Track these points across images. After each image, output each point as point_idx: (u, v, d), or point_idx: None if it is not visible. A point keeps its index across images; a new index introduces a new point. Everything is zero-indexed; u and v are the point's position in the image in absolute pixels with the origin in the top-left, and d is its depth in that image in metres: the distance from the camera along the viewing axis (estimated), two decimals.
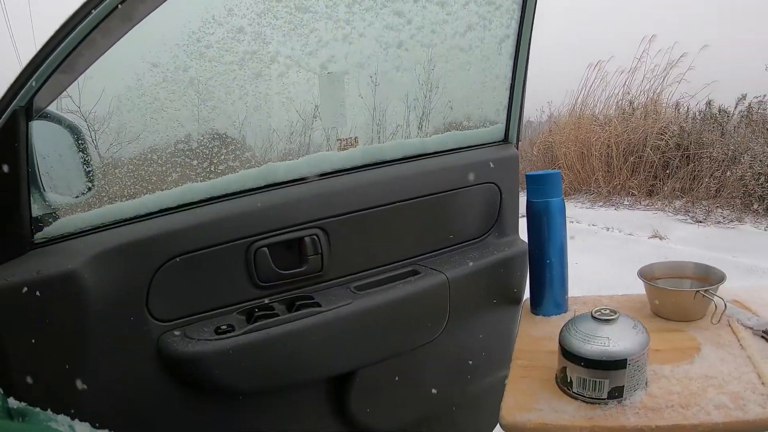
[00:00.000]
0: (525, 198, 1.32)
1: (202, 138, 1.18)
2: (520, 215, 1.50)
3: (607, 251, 4.88)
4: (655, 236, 5.25)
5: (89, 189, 1.15)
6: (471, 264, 1.34)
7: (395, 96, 1.54)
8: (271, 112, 1.35)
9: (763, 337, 1.00)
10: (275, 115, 1.40)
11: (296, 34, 1.20)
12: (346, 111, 1.46)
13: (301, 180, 1.23)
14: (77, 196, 1.14)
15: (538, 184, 1.25)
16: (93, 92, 1.13)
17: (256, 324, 1.07)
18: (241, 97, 1.22)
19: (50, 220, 1.05)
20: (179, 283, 1.07)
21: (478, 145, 1.47)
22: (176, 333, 1.07)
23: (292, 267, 1.18)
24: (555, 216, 1.25)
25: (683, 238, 5.12)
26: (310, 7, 1.18)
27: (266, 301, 1.16)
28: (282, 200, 1.18)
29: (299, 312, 1.11)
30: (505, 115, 1.49)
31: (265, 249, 1.14)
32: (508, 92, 1.46)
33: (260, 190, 1.19)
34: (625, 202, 7.11)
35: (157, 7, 1.00)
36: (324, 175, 1.25)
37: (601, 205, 7.18)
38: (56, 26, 0.90)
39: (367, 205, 1.25)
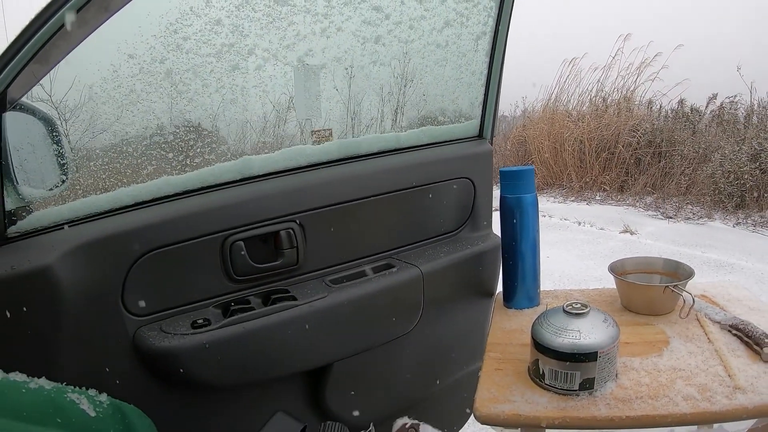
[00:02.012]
0: (498, 193, 1.34)
1: (177, 130, 1.18)
2: (493, 209, 1.52)
3: (578, 245, 4.96)
4: (626, 231, 5.34)
5: (63, 182, 1.14)
6: (445, 258, 1.36)
7: (371, 90, 1.55)
8: (248, 105, 1.34)
9: (729, 331, 1.04)
10: (252, 108, 1.39)
11: (274, 27, 1.20)
12: (320, 104, 1.47)
13: (276, 173, 1.23)
14: (51, 189, 1.13)
15: (511, 180, 1.27)
16: (67, 82, 1.12)
17: (233, 318, 1.08)
18: (217, 89, 1.21)
19: (24, 213, 1.04)
20: (155, 277, 1.07)
21: (453, 141, 1.49)
22: (152, 327, 1.06)
23: (267, 260, 1.18)
24: (528, 211, 1.27)
25: (654, 234, 5.23)
26: (288, 1, 1.18)
27: (242, 294, 1.17)
28: (258, 194, 1.18)
29: (275, 306, 1.12)
30: (480, 111, 1.51)
31: (241, 242, 1.14)
32: (483, 89, 1.48)
33: (236, 184, 1.19)
34: (597, 198, 7.22)
35: None
36: (300, 169, 1.26)
37: (573, 200, 7.28)
38: (29, 16, 0.89)
39: (342, 199, 1.25)
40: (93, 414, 0.49)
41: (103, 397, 0.51)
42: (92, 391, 0.52)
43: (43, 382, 0.48)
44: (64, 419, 0.46)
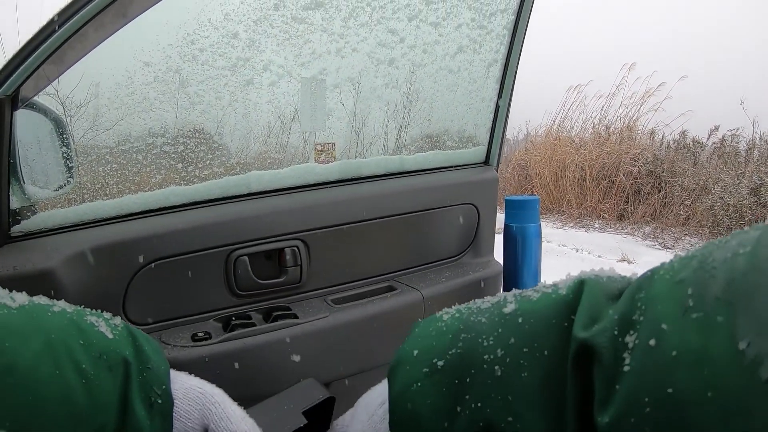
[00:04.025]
0: (502, 216, 1.34)
1: (188, 141, 1.18)
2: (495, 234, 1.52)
3: (575, 273, 4.95)
4: (623, 260, 5.36)
5: (69, 183, 1.14)
6: (446, 282, 1.35)
7: (380, 110, 1.55)
8: (260, 121, 1.35)
9: None
10: (263, 123, 1.40)
11: (290, 44, 1.20)
12: (326, 118, 1.47)
13: (284, 190, 1.23)
14: (56, 189, 1.13)
15: (516, 209, 1.28)
16: (80, 85, 1.12)
17: (233, 333, 1.07)
18: (230, 103, 1.22)
19: (28, 213, 1.04)
20: (158, 287, 1.07)
21: (459, 166, 1.49)
22: (153, 338, 1.06)
23: (271, 277, 1.18)
24: (531, 241, 1.27)
25: (651, 264, 5.11)
26: (306, 18, 1.19)
27: (244, 309, 1.16)
28: (264, 209, 1.18)
29: (276, 323, 1.11)
30: (487, 138, 1.51)
31: (245, 258, 1.14)
32: (492, 116, 1.49)
33: (243, 198, 1.19)
34: (596, 225, 7.24)
35: (152, 6, 1.00)
36: (307, 187, 1.26)
37: (572, 226, 7.30)
38: (44, 16, 0.89)
39: (347, 220, 1.26)
40: (111, 336, 0.51)
41: (118, 320, 0.55)
42: (107, 314, 0.54)
43: (64, 305, 0.51)
44: (86, 341, 0.49)
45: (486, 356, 0.44)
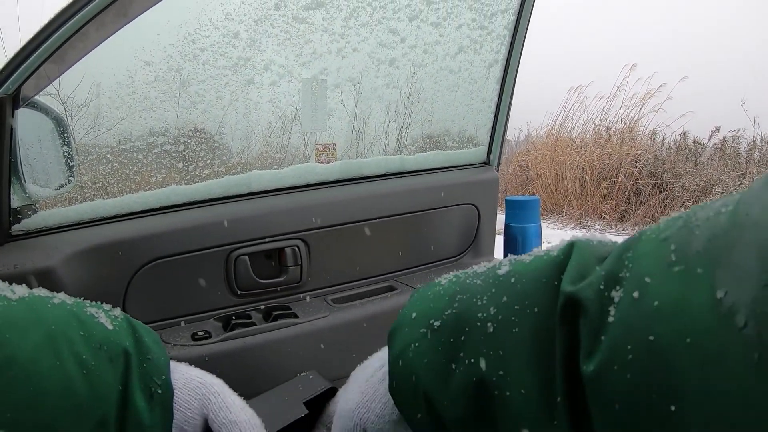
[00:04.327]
0: (503, 217, 1.34)
1: (189, 141, 1.18)
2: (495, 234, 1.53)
3: None
4: None
5: (69, 182, 1.14)
6: None
7: (381, 111, 1.55)
8: (260, 120, 1.35)
9: None
10: (264, 123, 1.40)
11: (291, 44, 1.21)
12: (327, 118, 1.47)
13: (284, 190, 1.23)
14: (57, 188, 1.13)
15: (517, 209, 1.28)
16: (82, 84, 1.12)
17: (233, 332, 1.07)
18: (231, 102, 1.22)
19: (29, 212, 1.04)
20: (158, 286, 1.07)
21: (459, 166, 1.49)
22: None
23: (271, 276, 1.18)
24: (531, 241, 1.27)
25: None
26: (307, 18, 1.19)
27: (244, 309, 1.16)
28: (265, 209, 1.18)
29: (276, 322, 1.12)
30: (488, 138, 1.51)
31: (246, 257, 1.14)
32: (492, 116, 1.49)
33: (243, 198, 1.19)
34: (597, 226, 7.24)
35: (153, 5, 1.00)
36: (308, 187, 1.26)
37: (572, 227, 7.30)
38: (45, 15, 0.89)
39: (348, 219, 1.26)
40: (111, 327, 0.52)
41: (117, 312, 0.55)
42: (107, 306, 0.55)
43: (64, 297, 0.52)
44: (86, 332, 0.49)
45: (480, 314, 0.45)
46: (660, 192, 7.17)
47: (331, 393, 0.70)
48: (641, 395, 0.32)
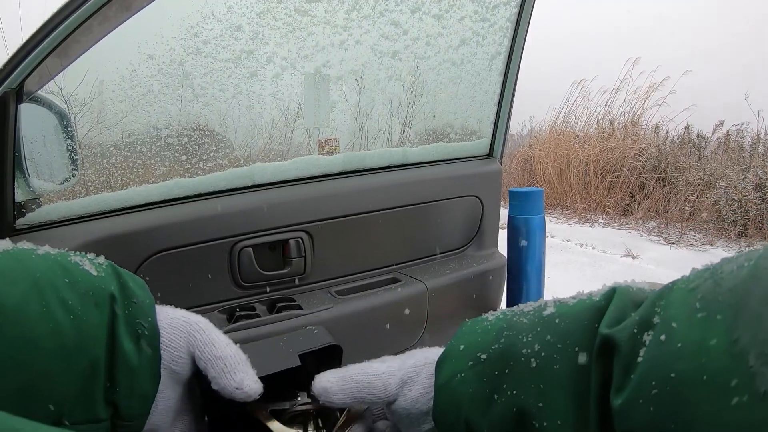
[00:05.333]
0: (506, 212, 1.34)
1: (192, 134, 1.18)
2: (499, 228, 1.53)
3: (579, 267, 4.95)
4: (627, 255, 5.34)
5: (73, 176, 1.14)
6: (450, 274, 1.36)
7: (384, 103, 1.55)
8: (264, 113, 1.35)
9: None
10: (267, 115, 1.40)
11: (294, 37, 1.20)
12: (329, 113, 1.47)
13: (287, 182, 1.23)
14: (61, 183, 1.14)
15: (520, 201, 1.28)
16: (86, 79, 1.12)
17: (237, 324, 1.07)
18: (234, 95, 1.22)
19: (33, 206, 1.04)
20: (162, 279, 1.07)
21: (463, 158, 1.49)
22: None
23: (275, 268, 1.18)
24: (535, 232, 1.27)
25: (655, 259, 5.22)
26: (309, 11, 1.19)
27: (248, 301, 1.17)
28: (268, 201, 1.18)
29: (280, 314, 1.12)
30: (491, 131, 1.51)
31: (250, 249, 1.14)
32: (495, 108, 1.49)
33: (247, 190, 1.19)
34: (600, 220, 7.22)
35: None
36: (311, 179, 1.26)
37: (576, 222, 7.28)
38: (47, 10, 0.90)
39: (352, 211, 1.26)
40: (95, 273, 0.53)
41: (102, 259, 0.56)
42: (91, 255, 0.55)
43: (48, 249, 0.53)
44: (72, 279, 0.50)
45: (524, 350, 0.50)
46: (663, 186, 7.15)
47: (336, 352, 0.70)
48: (661, 426, 0.36)
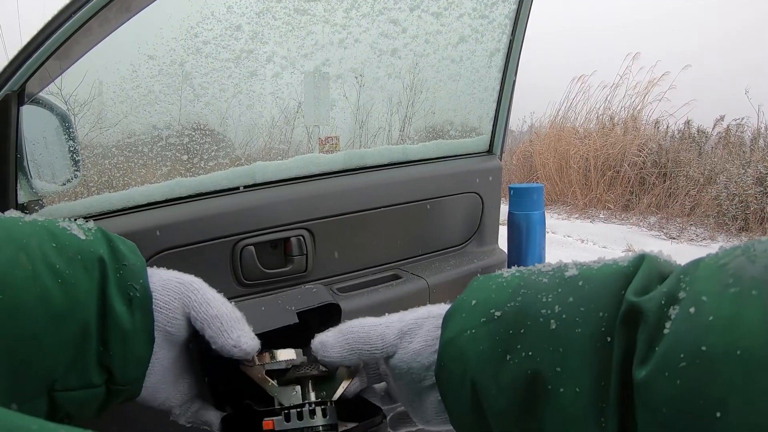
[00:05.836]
0: (506, 208, 1.35)
1: (193, 133, 1.19)
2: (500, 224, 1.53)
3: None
4: (629, 250, 5.34)
5: (75, 177, 1.15)
6: (451, 271, 1.36)
7: (383, 102, 1.56)
8: (264, 112, 1.35)
9: None
10: (268, 115, 1.41)
11: (293, 36, 1.21)
12: (329, 111, 1.48)
13: (289, 180, 1.24)
14: (63, 184, 1.14)
15: (520, 197, 1.28)
16: (86, 80, 1.13)
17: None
18: (235, 95, 1.23)
19: (36, 207, 1.05)
20: None
21: (462, 155, 1.50)
22: None
23: (277, 266, 1.19)
24: (535, 228, 1.28)
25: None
26: (308, 10, 1.19)
27: (250, 299, 1.17)
28: (269, 199, 1.19)
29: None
30: (490, 127, 1.52)
31: (251, 247, 1.14)
32: (495, 105, 1.49)
33: (248, 189, 1.20)
34: (601, 216, 7.23)
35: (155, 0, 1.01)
36: (311, 177, 1.27)
37: (577, 217, 7.29)
38: (47, 13, 0.90)
39: (353, 209, 1.26)
40: (83, 237, 0.53)
41: (90, 224, 0.56)
42: (80, 221, 0.56)
43: (35, 216, 0.53)
44: (59, 244, 0.50)
45: (543, 311, 0.47)
46: (664, 181, 7.15)
47: (334, 310, 0.69)
48: (689, 401, 0.35)
